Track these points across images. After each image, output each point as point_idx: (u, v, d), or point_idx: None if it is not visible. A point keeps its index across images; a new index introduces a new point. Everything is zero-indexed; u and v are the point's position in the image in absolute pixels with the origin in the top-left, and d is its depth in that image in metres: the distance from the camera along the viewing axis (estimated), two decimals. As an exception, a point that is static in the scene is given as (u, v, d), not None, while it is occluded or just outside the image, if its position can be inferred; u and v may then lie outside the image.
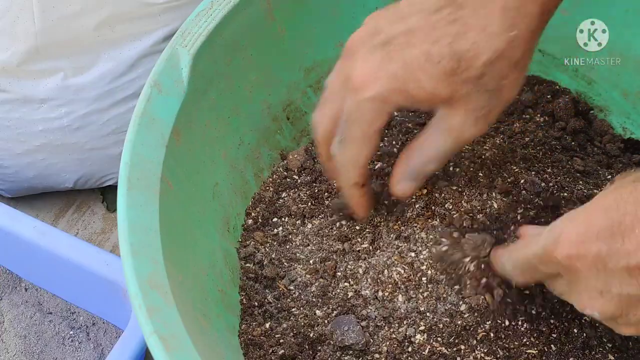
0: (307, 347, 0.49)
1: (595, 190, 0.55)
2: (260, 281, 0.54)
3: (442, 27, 0.42)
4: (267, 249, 0.56)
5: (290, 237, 0.56)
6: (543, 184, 0.53)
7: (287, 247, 0.55)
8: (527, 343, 0.47)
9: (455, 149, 0.46)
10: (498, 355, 0.47)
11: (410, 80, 0.42)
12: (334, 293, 0.52)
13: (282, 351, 0.49)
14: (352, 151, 0.46)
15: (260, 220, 0.58)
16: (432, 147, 0.46)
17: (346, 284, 0.52)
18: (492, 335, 0.48)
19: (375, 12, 0.45)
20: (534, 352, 0.47)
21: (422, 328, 0.48)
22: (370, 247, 0.53)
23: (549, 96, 0.64)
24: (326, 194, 0.57)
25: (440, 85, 0.42)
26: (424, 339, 0.48)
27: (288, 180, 0.60)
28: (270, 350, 0.49)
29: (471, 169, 0.54)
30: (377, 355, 0.48)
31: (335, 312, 0.51)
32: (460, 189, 0.53)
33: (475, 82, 0.42)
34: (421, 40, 0.42)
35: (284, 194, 0.59)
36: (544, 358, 0.47)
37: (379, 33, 0.44)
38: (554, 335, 0.48)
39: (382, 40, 0.43)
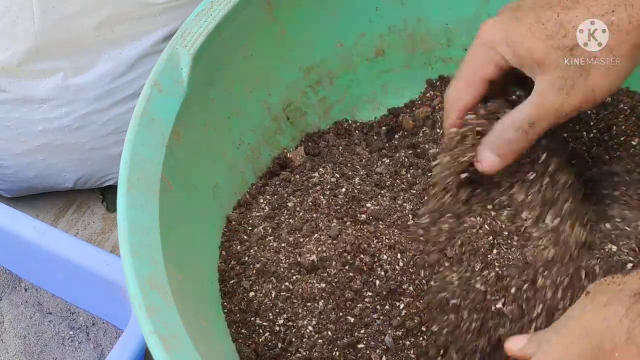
0: None
1: None
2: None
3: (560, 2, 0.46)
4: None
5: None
6: None
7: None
8: None
9: (535, 117, 0.46)
10: None
11: (517, 34, 0.46)
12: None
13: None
14: (454, 91, 0.49)
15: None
16: (514, 113, 0.47)
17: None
18: None
19: None
20: None
21: None
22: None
23: None
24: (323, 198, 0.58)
25: (537, 44, 0.45)
26: None
27: None
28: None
29: None
30: None
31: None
32: None
33: (568, 51, 0.45)
34: (540, 6, 0.46)
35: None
36: None
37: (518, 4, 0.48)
38: None
39: (514, 7, 0.48)
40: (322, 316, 0.51)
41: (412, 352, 0.50)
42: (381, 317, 0.51)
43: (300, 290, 0.52)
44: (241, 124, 0.60)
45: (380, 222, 0.55)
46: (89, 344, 0.64)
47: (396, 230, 0.54)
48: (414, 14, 0.64)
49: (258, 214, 0.57)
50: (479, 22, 0.65)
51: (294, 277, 0.53)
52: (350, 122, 0.65)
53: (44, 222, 0.63)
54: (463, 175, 0.49)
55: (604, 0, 0.45)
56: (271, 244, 0.55)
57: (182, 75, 0.52)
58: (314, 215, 0.55)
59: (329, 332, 0.50)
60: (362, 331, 0.50)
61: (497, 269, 0.47)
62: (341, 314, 0.51)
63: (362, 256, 0.52)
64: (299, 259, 0.53)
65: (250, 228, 0.57)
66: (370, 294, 0.51)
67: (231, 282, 0.54)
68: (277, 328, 0.51)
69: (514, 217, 0.48)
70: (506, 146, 0.48)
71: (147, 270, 0.43)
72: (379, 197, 0.57)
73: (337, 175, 0.59)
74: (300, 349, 0.50)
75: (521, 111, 0.47)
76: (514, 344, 0.44)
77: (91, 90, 0.68)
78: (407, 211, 0.56)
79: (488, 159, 0.48)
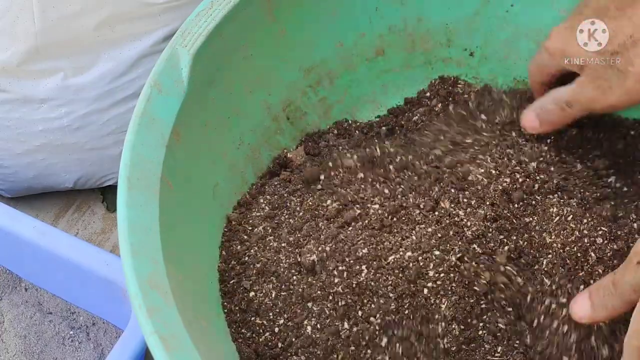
0: None
1: None
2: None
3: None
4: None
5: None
6: None
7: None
8: None
9: (572, 100, 0.53)
10: None
11: (567, 44, 0.53)
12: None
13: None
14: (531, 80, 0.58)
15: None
16: (561, 89, 0.54)
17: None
18: None
19: None
20: None
21: None
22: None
23: None
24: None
25: (580, 50, 0.51)
26: None
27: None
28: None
29: None
30: None
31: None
32: None
33: (608, 56, 0.50)
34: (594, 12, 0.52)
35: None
36: None
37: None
38: None
39: (577, 10, 0.53)
40: (322, 316, 0.51)
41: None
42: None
43: (300, 290, 0.52)
44: (241, 124, 0.60)
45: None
46: (89, 343, 0.64)
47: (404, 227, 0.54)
48: (414, 14, 0.64)
49: (258, 214, 0.57)
50: (479, 22, 0.65)
51: (294, 277, 0.53)
52: (350, 122, 0.65)
53: (44, 222, 0.62)
54: None
55: None
56: (271, 243, 0.55)
57: (182, 75, 0.52)
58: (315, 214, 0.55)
59: (329, 333, 0.50)
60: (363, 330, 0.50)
61: None
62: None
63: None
64: (299, 259, 0.53)
65: (250, 228, 0.57)
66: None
67: (231, 282, 0.54)
68: (277, 328, 0.51)
69: None
70: (544, 114, 0.55)
71: (147, 270, 0.43)
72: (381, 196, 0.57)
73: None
74: (300, 349, 0.50)
75: (563, 90, 0.54)
76: (578, 309, 0.46)
77: (91, 90, 0.68)
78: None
79: (529, 117, 0.56)
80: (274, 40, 0.60)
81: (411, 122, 0.63)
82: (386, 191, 0.55)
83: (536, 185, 0.53)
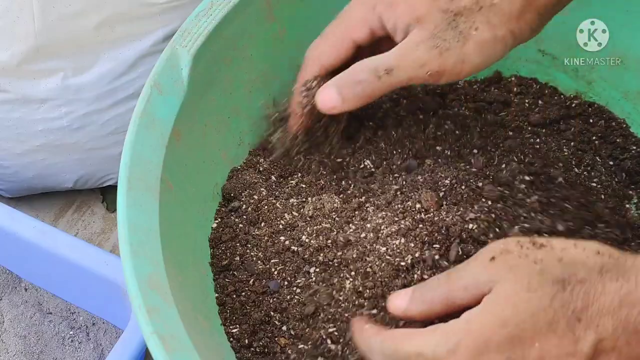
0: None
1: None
2: None
3: None
4: None
5: None
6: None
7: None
8: None
9: (396, 65, 0.45)
10: None
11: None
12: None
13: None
14: (317, 49, 0.49)
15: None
16: (374, 57, 0.45)
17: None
18: None
19: None
20: None
21: None
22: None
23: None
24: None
25: (421, 2, 0.45)
26: None
27: None
28: None
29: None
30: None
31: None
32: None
33: (451, 15, 0.44)
34: None
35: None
36: None
37: None
38: None
39: None
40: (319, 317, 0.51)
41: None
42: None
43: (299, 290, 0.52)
44: (241, 124, 0.59)
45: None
46: (89, 343, 0.64)
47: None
48: (414, 14, 0.64)
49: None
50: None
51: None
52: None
53: (44, 222, 0.62)
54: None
55: None
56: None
57: (182, 75, 0.52)
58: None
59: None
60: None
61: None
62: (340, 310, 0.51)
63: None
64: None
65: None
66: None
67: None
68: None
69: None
70: (353, 87, 0.45)
71: (147, 271, 0.43)
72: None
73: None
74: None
75: (382, 56, 0.45)
76: (398, 301, 0.41)
77: (91, 90, 0.68)
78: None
79: (328, 95, 0.46)
80: (273, 40, 0.60)
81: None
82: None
83: None
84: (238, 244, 0.54)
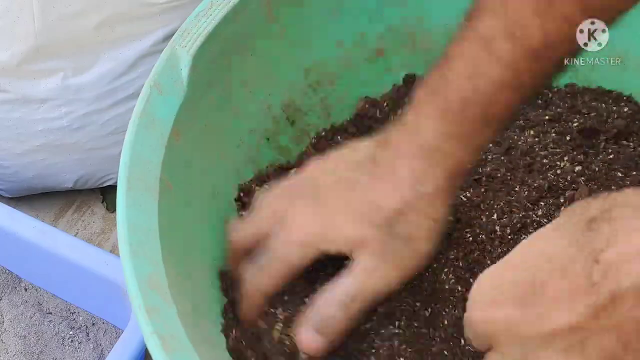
0: None
1: None
2: None
3: (360, 178, 0.46)
4: None
5: None
6: None
7: None
8: None
9: (361, 294, 0.44)
10: None
11: (330, 226, 0.45)
12: None
13: None
14: (267, 283, 0.47)
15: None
16: (337, 289, 0.45)
17: None
18: None
19: (314, 161, 0.50)
20: None
21: None
22: None
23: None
24: None
25: (353, 228, 0.45)
26: None
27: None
28: None
29: None
30: None
31: None
32: None
33: (386, 227, 0.44)
34: (343, 188, 0.46)
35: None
36: None
37: (315, 183, 0.48)
38: None
39: (315, 190, 0.47)
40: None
41: None
42: None
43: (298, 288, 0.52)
44: (241, 124, 0.59)
45: None
46: (89, 344, 0.64)
47: None
48: (414, 14, 0.64)
49: None
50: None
51: None
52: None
53: (44, 222, 0.63)
54: None
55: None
56: None
57: (182, 76, 0.52)
58: None
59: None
60: None
61: None
62: None
63: None
64: None
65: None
66: None
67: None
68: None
69: None
70: (329, 323, 0.44)
71: (147, 271, 0.43)
72: None
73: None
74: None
75: (342, 282, 0.45)
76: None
77: (91, 90, 0.68)
78: None
79: (308, 338, 0.45)
80: (274, 40, 0.60)
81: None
82: None
83: None
84: None
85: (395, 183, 0.45)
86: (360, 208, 0.45)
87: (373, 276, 0.44)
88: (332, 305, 0.44)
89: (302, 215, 0.46)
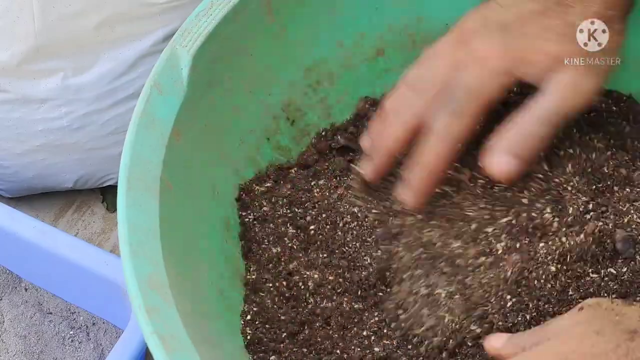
0: None
1: None
2: None
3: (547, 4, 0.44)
4: None
5: None
6: None
7: None
8: None
9: (563, 110, 0.43)
10: None
11: (530, 49, 0.44)
12: None
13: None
14: (462, 125, 0.44)
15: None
16: (536, 108, 0.43)
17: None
18: None
19: (477, 8, 0.47)
20: None
21: None
22: None
23: None
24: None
25: (555, 44, 0.44)
26: None
27: None
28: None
29: None
30: None
31: None
32: None
33: (584, 52, 0.44)
34: (535, 20, 0.44)
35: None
36: None
37: (491, 21, 0.45)
38: None
39: (498, 25, 0.45)
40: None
41: None
42: None
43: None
44: (241, 124, 0.60)
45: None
46: (89, 343, 0.64)
47: None
48: (414, 14, 0.64)
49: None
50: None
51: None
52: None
53: (44, 222, 0.63)
54: None
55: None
56: None
57: (182, 75, 0.52)
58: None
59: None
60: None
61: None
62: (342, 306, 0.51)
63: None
64: None
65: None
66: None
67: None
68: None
69: None
70: (528, 143, 0.43)
71: (147, 271, 0.43)
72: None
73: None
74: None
75: (542, 100, 0.43)
76: (494, 342, 0.42)
77: (91, 90, 0.68)
78: None
79: (505, 163, 0.43)
80: (274, 40, 0.60)
81: None
82: None
83: None
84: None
85: (586, 5, 0.44)
86: (556, 29, 0.44)
87: (577, 91, 0.43)
88: (532, 124, 0.43)
89: (490, 44, 0.44)
